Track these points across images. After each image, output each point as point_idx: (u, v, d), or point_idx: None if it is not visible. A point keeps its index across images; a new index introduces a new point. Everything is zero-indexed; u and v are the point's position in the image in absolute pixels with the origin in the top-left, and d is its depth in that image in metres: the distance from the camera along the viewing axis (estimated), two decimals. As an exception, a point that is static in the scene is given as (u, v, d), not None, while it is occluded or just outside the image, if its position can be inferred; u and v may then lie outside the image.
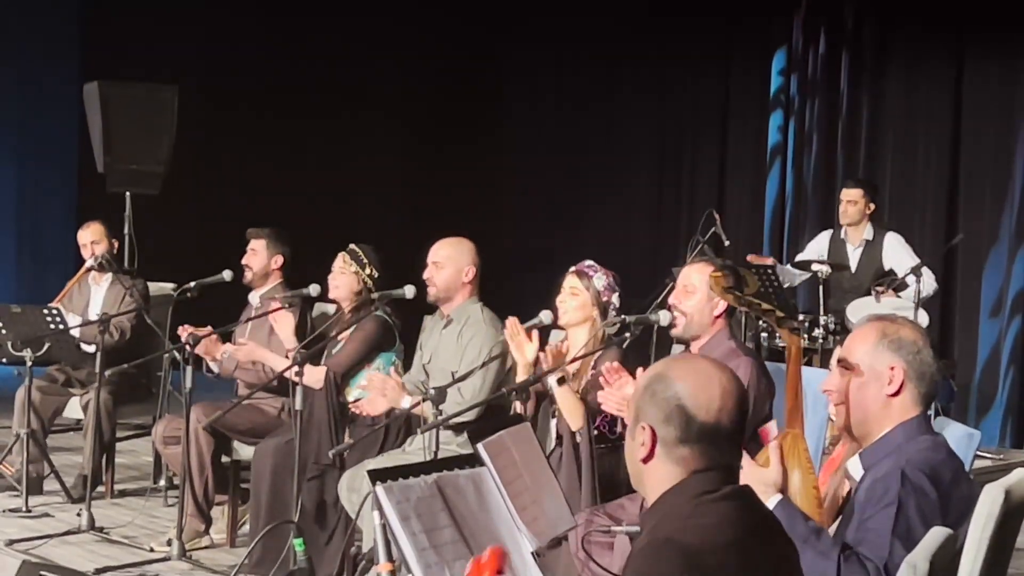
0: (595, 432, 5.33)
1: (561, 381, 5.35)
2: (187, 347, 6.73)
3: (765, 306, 4.38)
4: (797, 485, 3.67)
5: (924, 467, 3.45)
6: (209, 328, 6.97)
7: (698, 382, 2.78)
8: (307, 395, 6.46)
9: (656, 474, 2.79)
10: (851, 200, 9.41)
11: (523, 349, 5.54)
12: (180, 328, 6.93)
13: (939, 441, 3.61)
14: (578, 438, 5.32)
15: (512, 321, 5.59)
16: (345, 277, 6.78)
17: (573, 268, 5.70)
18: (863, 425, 3.62)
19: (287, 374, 6.37)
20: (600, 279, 5.62)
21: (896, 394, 3.57)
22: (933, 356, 3.59)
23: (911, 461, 3.45)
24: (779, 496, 3.57)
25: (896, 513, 3.38)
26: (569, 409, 5.33)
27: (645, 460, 2.80)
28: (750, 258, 9.58)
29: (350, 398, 6.59)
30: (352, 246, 6.86)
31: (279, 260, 7.44)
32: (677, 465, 2.77)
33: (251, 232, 7.52)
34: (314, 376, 6.54)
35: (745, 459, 3.63)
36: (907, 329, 3.62)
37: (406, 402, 5.96)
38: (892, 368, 3.57)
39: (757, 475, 3.58)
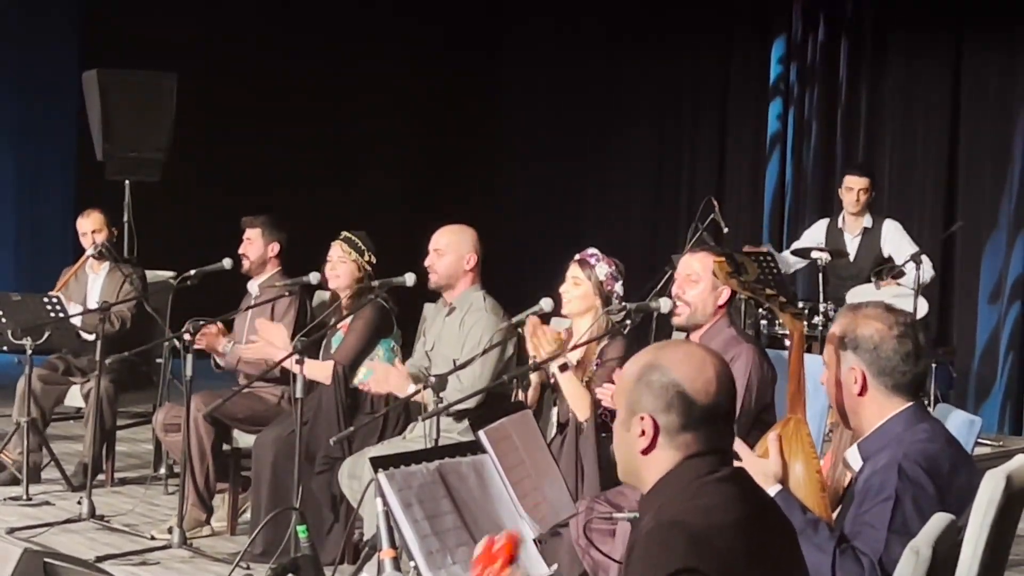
0: (599, 420, 5.34)
1: (563, 368, 5.35)
2: (187, 336, 6.73)
3: (769, 291, 4.38)
4: (800, 471, 3.67)
5: (921, 459, 3.45)
6: (209, 324, 6.97)
7: (693, 366, 2.77)
8: (315, 388, 6.47)
9: (656, 463, 2.78)
10: (863, 188, 9.34)
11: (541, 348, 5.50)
12: (187, 336, 6.88)
13: (937, 429, 3.61)
14: (583, 426, 5.33)
15: (533, 321, 5.54)
16: (345, 266, 6.76)
17: (576, 257, 5.70)
18: (853, 419, 3.64)
19: (289, 364, 6.36)
20: (602, 268, 5.61)
21: (862, 393, 3.57)
22: (903, 343, 3.55)
23: (908, 454, 3.45)
24: (778, 487, 3.58)
25: (893, 507, 3.38)
26: (575, 398, 5.34)
27: (646, 451, 2.78)
28: (745, 249, 9.58)
29: (355, 382, 6.59)
30: (346, 233, 6.84)
31: (275, 248, 7.42)
32: (679, 451, 2.76)
33: (246, 220, 7.49)
34: (322, 371, 6.54)
35: (744, 450, 3.65)
36: (866, 324, 3.58)
37: (411, 389, 5.96)
38: (852, 369, 3.58)
39: (756, 466, 3.59)
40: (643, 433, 2.77)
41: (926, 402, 5.10)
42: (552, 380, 5.62)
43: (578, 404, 5.33)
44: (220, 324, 7.08)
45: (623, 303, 5.53)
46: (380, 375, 6.19)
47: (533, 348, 5.50)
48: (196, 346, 6.83)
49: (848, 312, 3.68)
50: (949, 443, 3.60)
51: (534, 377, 5.61)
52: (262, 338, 6.83)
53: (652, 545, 2.64)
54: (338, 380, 6.51)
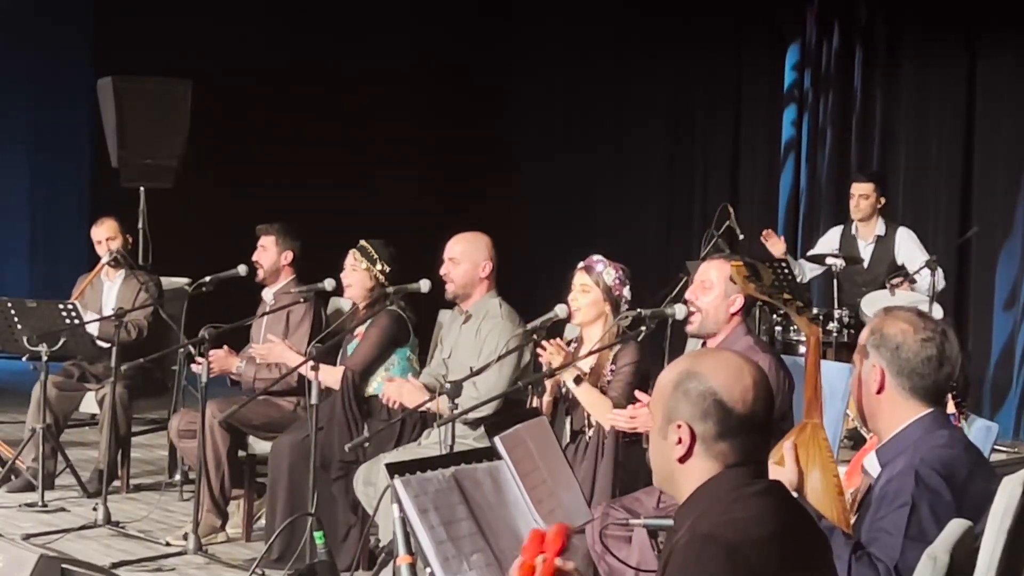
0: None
1: (578, 380, 5.35)
2: (197, 364, 6.76)
3: (786, 296, 4.38)
4: (817, 477, 3.67)
5: (938, 466, 3.43)
6: (223, 350, 7.03)
7: (730, 374, 2.75)
8: (330, 395, 6.48)
9: (693, 472, 2.76)
10: (863, 194, 9.41)
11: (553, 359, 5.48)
12: (194, 364, 6.90)
13: (955, 436, 3.60)
14: (606, 432, 5.33)
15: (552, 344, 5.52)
16: (357, 275, 6.76)
17: (581, 264, 5.69)
18: (872, 421, 3.63)
19: (304, 371, 6.37)
20: (609, 273, 5.60)
21: (880, 391, 3.56)
22: (926, 347, 3.54)
23: (925, 460, 3.44)
24: (794, 495, 3.57)
25: (909, 514, 3.37)
26: (595, 407, 5.34)
27: (683, 459, 2.76)
28: (765, 233, 9.61)
29: (369, 392, 6.60)
30: (362, 242, 6.84)
31: (289, 255, 7.43)
32: (715, 460, 2.75)
33: (260, 229, 7.51)
34: (333, 376, 6.55)
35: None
36: (894, 323, 3.59)
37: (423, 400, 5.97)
38: (874, 367, 3.57)
39: (772, 474, 3.58)
40: (679, 441, 2.76)
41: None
42: (564, 391, 5.60)
43: (599, 412, 5.33)
44: (227, 347, 7.11)
45: (634, 308, 5.52)
46: (393, 389, 6.21)
47: (545, 361, 5.48)
48: (211, 375, 6.87)
49: (882, 312, 3.68)
50: (967, 449, 3.59)
51: (547, 389, 5.58)
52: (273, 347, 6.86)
53: (688, 558, 2.64)
54: (347, 386, 6.51)
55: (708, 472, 2.75)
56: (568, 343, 5.85)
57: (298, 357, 6.66)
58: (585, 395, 5.37)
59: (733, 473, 2.74)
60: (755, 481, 2.75)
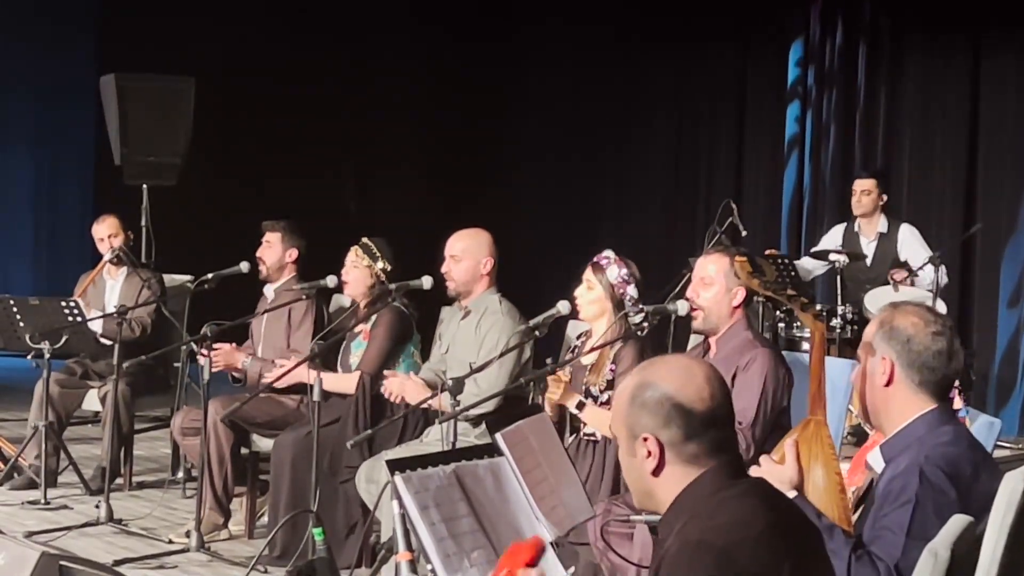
0: None
1: (580, 406, 5.35)
2: (202, 357, 6.74)
3: (790, 291, 4.37)
4: (820, 474, 3.65)
5: (943, 463, 3.41)
6: (229, 346, 7.05)
7: (680, 376, 2.75)
8: (341, 397, 6.46)
9: (670, 481, 2.75)
10: (865, 190, 9.40)
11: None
12: (199, 357, 6.89)
13: (960, 432, 3.57)
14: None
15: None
16: (358, 272, 6.76)
17: (594, 259, 5.69)
18: (875, 416, 3.60)
19: (306, 373, 6.33)
20: (614, 271, 5.58)
21: (888, 384, 3.54)
22: (937, 340, 3.51)
23: (930, 457, 3.41)
24: (794, 492, 3.56)
25: (912, 512, 3.35)
26: (603, 425, 5.34)
27: (656, 472, 2.75)
28: (767, 254, 9.60)
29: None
30: (364, 240, 6.84)
31: (294, 253, 7.43)
32: (689, 464, 2.74)
33: (266, 225, 7.51)
34: (348, 383, 6.53)
35: (762, 457, 3.64)
36: (904, 317, 3.56)
37: (424, 396, 5.96)
38: (884, 359, 3.55)
39: (773, 472, 3.57)
40: (649, 454, 2.75)
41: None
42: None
43: (607, 428, 5.34)
44: (233, 344, 7.12)
45: (639, 306, 5.50)
46: (396, 385, 6.20)
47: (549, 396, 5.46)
48: (214, 369, 6.86)
49: (888, 307, 3.66)
50: (972, 447, 3.57)
51: (550, 411, 5.53)
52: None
53: (679, 566, 2.63)
54: (364, 390, 6.50)
55: (685, 477, 2.74)
56: (578, 336, 5.85)
57: (310, 369, 6.61)
58: (591, 417, 5.38)
59: (711, 475, 2.73)
60: (735, 483, 2.74)
